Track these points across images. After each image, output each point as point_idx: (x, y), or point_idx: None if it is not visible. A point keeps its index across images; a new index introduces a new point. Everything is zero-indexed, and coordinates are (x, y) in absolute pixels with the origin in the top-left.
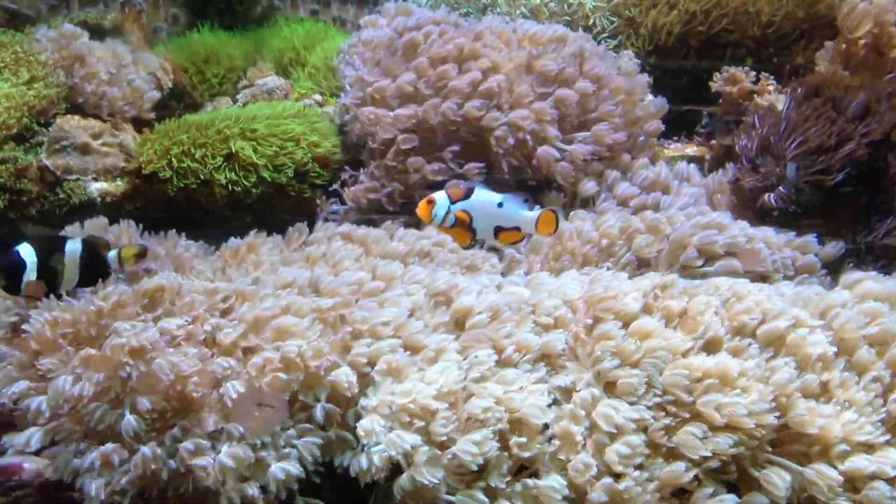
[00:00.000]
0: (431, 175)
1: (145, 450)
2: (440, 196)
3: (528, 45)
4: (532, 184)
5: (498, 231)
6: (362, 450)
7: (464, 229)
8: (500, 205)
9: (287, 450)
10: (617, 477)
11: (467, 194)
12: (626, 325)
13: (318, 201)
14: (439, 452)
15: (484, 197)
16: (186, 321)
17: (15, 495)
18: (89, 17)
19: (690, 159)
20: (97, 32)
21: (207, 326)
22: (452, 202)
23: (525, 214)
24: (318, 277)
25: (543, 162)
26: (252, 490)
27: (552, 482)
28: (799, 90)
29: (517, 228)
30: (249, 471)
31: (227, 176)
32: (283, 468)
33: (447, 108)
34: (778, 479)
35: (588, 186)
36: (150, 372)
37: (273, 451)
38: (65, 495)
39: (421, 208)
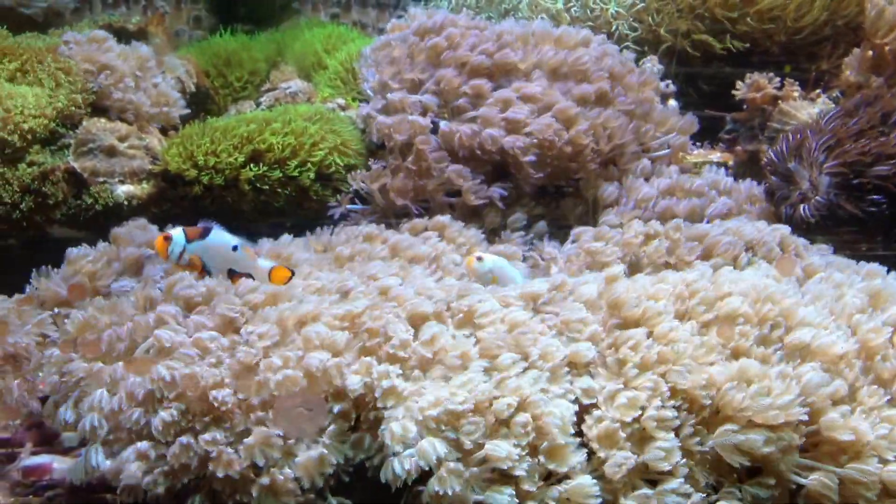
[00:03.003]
0: (454, 177)
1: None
2: (177, 233)
3: (552, 48)
4: (551, 190)
5: (231, 273)
6: (393, 455)
7: (195, 269)
8: (234, 248)
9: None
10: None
11: (203, 234)
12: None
13: (337, 199)
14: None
15: (219, 239)
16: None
17: (47, 495)
18: (114, 20)
19: (714, 165)
20: (122, 35)
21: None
22: (188, 241)
23: (259, 264)
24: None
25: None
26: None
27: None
28: (845, 100)
29: (250, 275)
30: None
31: (254, 171)
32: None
33: (465, 131)
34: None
35: (609, 191)
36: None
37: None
38: (96, 496)
39: (158, 243)
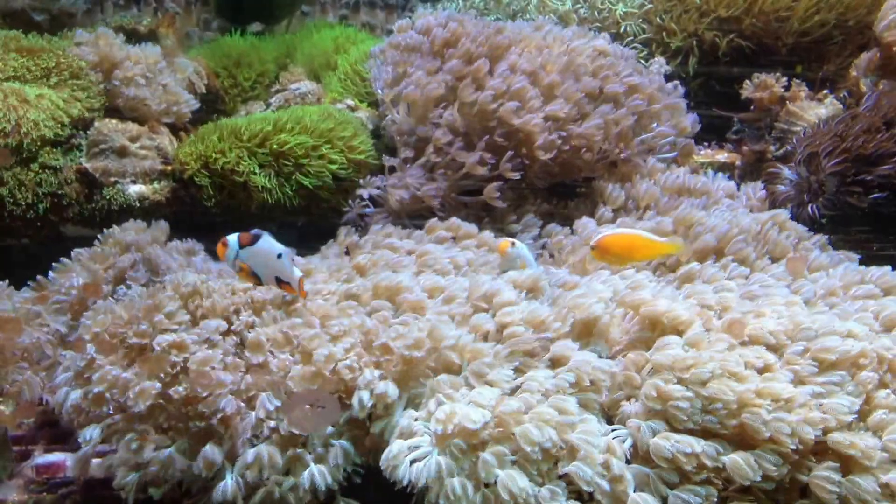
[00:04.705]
0: (471, 169)
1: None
2: (232, 239)
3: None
4: (560, 190)
5: (279, 281)
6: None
7: (247, 275)
8: (279, 256)
9: (325, 450)
10: None
11: (252, 241)
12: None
13: (348, 201)
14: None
15: (265, 247)
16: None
17: (60, 492)
18: (125, 21)
19: (721, 165)
20: (133, 37)
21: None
22: (241, 246)
23: (295, 273)
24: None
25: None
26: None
27: None
28: (850, 101)
29: (289, 284)
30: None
31: (264, 182)
32: (319, 472)
33: (483, 98)
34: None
35: (615, 191)
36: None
37: (311, 453)
38: (109, 493)
39: (218, 248)
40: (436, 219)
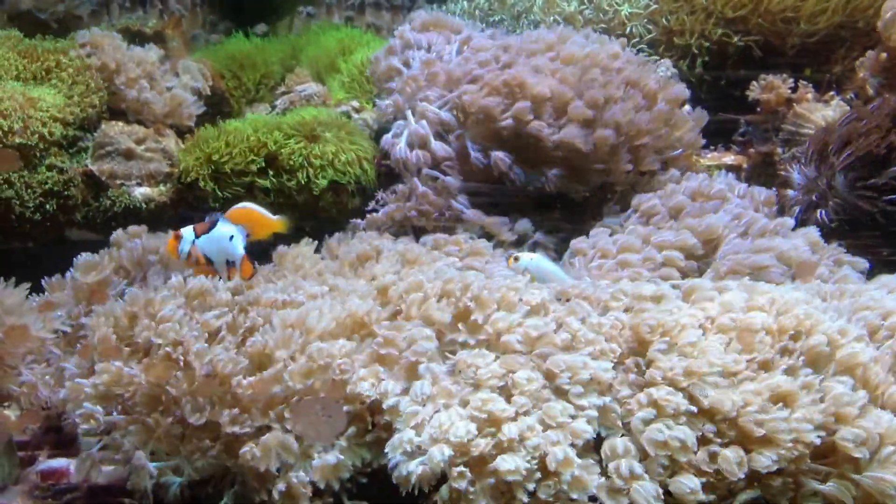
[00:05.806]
0: (498, 234)
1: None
2: (187, 231)
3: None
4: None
5: (228, 264)
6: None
7: (204, 267)
8: (231, 238)
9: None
10: None
11: (209, 228)
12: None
13: (352, 206)
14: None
15: (220, 231)
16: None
17: (65, 499)
18: (131, 23)
19: (728, 168)
20: (139, 38)
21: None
22: (197, 237)
23: (238, 251)
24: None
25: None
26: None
27: None
28: (858, 103)
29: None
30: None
31: (268, 181)
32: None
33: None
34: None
35: (656, 206)
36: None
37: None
38: (114, 500)
39: (170, 243)
40: (443, 234)
